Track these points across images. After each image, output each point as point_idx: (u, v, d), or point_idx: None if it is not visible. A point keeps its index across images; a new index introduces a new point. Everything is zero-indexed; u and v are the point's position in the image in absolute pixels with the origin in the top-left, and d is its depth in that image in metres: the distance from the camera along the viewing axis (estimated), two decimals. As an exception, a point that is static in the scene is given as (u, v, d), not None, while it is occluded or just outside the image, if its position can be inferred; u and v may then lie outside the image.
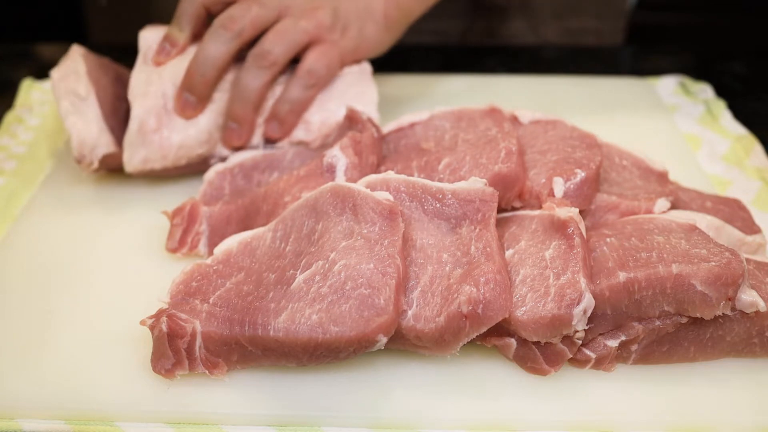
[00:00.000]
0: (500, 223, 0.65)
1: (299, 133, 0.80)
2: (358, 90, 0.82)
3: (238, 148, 0.80)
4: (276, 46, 0.76)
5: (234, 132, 0.78)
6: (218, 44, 0.76)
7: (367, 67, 0.84)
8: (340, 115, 0.80)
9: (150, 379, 0.59)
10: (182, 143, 0.77)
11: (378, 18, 0.82)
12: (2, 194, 0.81)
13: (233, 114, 0.77)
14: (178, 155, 0.77)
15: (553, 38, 1.23)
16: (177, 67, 0.79)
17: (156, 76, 0.79)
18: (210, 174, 0.77)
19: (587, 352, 0.60)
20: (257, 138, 0.81)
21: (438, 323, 0.56)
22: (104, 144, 0.76)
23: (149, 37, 0.81)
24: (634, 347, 0.60)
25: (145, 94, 0.77)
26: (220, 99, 0.79)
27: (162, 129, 0.76)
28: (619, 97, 0.98)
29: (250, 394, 0.59)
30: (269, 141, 0.81)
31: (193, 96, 0.77)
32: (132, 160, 0.76)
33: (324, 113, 0.80)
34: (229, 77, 0.79)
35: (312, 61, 0.78)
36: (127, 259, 0.72)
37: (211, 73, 0.76)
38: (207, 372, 0.59)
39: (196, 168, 0.80)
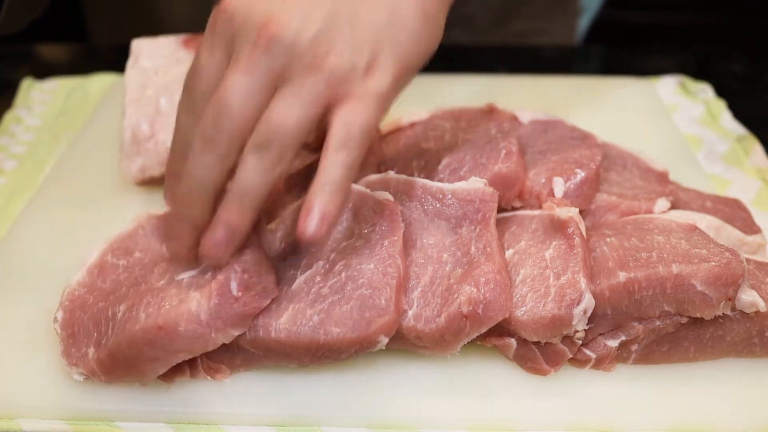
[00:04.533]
0: (500, 223, 0.65)
1: None
2: None
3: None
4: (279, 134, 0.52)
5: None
6: (209, 167, 0.54)
7: None
8: None
9: (150, 379, 0.59)
10: None
11: (411, 22, 0.58)
12: (2, 194, 0.81)
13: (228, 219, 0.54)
14: None
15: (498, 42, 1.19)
16: (169, 71, 0.78)
17: (148, 80, 0.78)
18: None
19: (587, 352, 0.59)
20: None
21: (438, 323, 0.56)
22: None
23: (142, 45, 0.82)
24: (634, 347, 0.60)
25: (137, 100, 0.76)
26: None
27: (156, 134, 0.76)
28: (619, 97, 0.98)
29: (250, 394, 0.59)
30: None
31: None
32: (130, 170, 0.76)
33: None
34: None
35: (338, 132, 0.53)
36: (127, 259, 0.71)
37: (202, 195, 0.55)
38: (209, 377, 0.59)
39: None
